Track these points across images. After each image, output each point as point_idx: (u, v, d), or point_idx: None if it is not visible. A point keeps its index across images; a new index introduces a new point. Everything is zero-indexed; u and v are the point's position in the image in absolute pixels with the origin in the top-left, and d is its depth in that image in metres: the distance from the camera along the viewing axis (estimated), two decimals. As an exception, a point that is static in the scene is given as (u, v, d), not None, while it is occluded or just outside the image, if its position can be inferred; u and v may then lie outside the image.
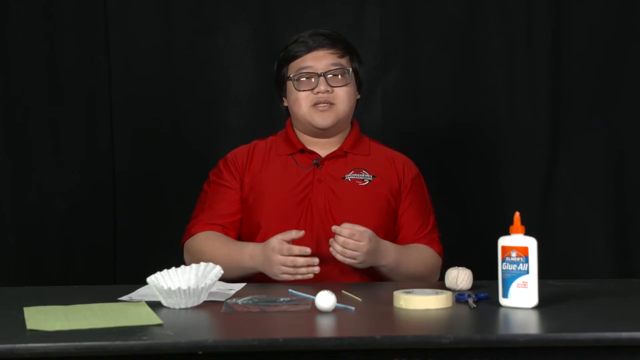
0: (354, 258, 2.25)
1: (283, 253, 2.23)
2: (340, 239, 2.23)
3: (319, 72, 2.44)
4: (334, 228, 2.24)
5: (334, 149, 2.50)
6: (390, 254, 2.33)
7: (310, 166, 2.47)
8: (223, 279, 2.10)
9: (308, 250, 2.23)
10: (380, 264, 2.32)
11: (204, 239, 2.43)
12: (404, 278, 2.37)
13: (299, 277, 2.23)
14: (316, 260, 2.23)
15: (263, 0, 3.15)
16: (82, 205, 3.11)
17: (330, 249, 2.25)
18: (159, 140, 3.15)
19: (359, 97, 2.55)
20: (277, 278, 2.26)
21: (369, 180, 2.47)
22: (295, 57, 2.47)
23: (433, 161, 3.12)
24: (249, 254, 2.31)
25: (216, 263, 2.04)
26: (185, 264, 2.31)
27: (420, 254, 2.44)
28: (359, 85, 2.54)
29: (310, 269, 2.22)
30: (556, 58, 3.15)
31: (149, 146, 3.15)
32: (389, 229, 2.45)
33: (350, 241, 2.23)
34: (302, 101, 2.45)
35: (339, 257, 2.25)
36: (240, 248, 2.36)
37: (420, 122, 3.19)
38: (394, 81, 3.18)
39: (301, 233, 2.25)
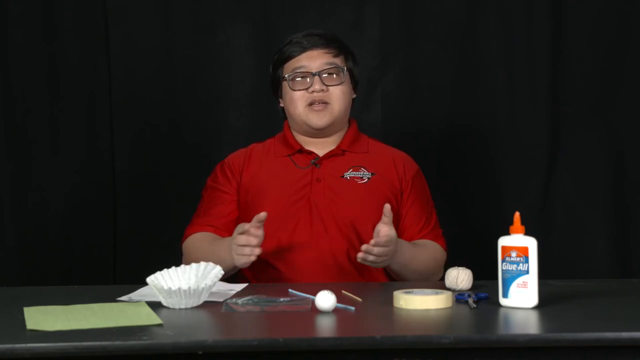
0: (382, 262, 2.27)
1: (238, 232, 2.23)
2: (375, 250, 2.22)
3: (313, 71, 2.45)
4: (366, 247, 2.22)
5: (332, 148, 2.51)
6: (404, 253, 2.34)
7: (308, 166, 2.48)
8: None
9: (262, 215, 2.21)
10: (395, 261, 2.33)
11: (194, 240, 2.46)
12: (415, 275, 2.37)
13: (246, 258, 2.21)
14: (252, 240, 2.20)
15: (263, 0, 3.15)
16: (82, 205, 3.11)
17: (360, 259, 2.25)
18: (159, 140, 3.15)
19: (354, 96, 2.55)
20: (240, 264, 2.25)
21: (368, 177, 2.48)
22: (289, 57, 2.48)
23: (433, 161, 3.12)
24: (228, 246, 2.29)
25: (203, 261, 2.04)
26: None
27: (430, 250, 2.46)
28: (355, 85, 2.55)
29: (251, 249, 2.20)
30: (556, 58, 3.15)
31: (149, 146, 3.15)
32: (390, 226, 2.46)
33: (384, 249, 2.23)
34: (297, 101, 2.46)
35: (369, 264, 2.27)
36: (221, 243, 2.36)
37: (420, 122, 3.19)
38: (394, 81, 3.17)
39: (263, 215, 2.22)
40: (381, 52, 3.16)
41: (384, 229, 2.24)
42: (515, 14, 3.15)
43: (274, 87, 2.56)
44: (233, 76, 3.16)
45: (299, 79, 2.47)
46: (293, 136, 2.53)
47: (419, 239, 2.47)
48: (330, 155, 2.49)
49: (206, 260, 2.08)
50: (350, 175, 2.48)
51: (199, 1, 3.13)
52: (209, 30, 3.15)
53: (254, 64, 3.14)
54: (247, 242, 2.21)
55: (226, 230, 2.45)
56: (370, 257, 2.23)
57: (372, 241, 2.21)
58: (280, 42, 2.59)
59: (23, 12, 3.08)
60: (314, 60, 2.47)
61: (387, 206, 2.23)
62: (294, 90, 2.46)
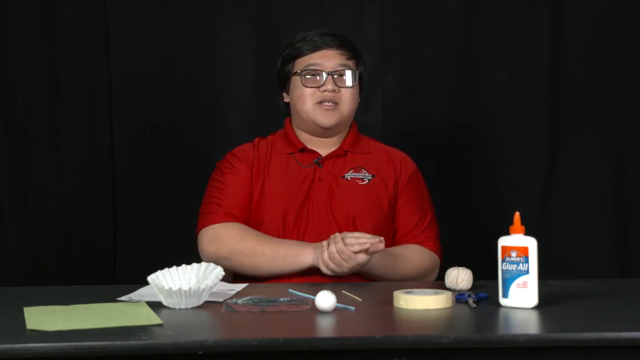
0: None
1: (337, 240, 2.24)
2: (325, 256, 2.24)
3: (327, 70, 2.45)
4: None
5: (334, 148, 2.51)
6: (374, 270, 2.32)
7: (311, 165, 2.48)
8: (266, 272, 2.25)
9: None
10: (363, 272, 2.32)
11: (238, 230, 2.39)
12: (394, 280, 2.36)
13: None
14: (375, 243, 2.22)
15: (263, 0, 3.15)
16: (82, 205, 3.11)
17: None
18: (159, 140, 3.15)
19: (359, 100, 2.55)
20: (337, 271, 2.25)
21: (369, 179, 2.48)
22: (302, 54, 2.48)
23: (433, 161, 3.12)
24: (308, 245, 2.33)
25: (262, 254, 2.25)
26: (204, 253, 2.33)
27: (410, 260, 2.42)
28: (361, 89, 2.55)
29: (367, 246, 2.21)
30: (556, 58, 3.15)
31: (149, 146, 3.15)
32: (388, 228, 2.46)
33: (333, 263, 2.25)
34: (307, 98, 2.46)
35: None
36: (298, 243, 2.37)
37: (420, 122, 3.19)
38: (394, 81, 3.18)
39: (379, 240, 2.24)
40: (381, 52, 3.17)
41: (360, 253, 2.23)
42: (515, 14, 3.15)
43: (281, 81, 2.55)
44: (233, 76, 3.16)
45: (311, 76, 2.47)
46: (295, 134, 2.53)
47: (409, 240, 2.47)
48: (332, 155, 2.50)
49: (268, 252, 2.27)
50: (351, 176, 2.48)
51: (199, 1, 3.14)
52: (209, 30, 3.15)
53: (254, 64, 3.15)
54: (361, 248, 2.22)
55: (249, 221, 2.43)
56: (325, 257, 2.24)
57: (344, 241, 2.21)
58: (280, 42, 2.59)
59: (23, 12, 3.08)
60: (329, 59, 2.47)
61: (381, 243, 2.23)
62: (305, 86, 2.46)
